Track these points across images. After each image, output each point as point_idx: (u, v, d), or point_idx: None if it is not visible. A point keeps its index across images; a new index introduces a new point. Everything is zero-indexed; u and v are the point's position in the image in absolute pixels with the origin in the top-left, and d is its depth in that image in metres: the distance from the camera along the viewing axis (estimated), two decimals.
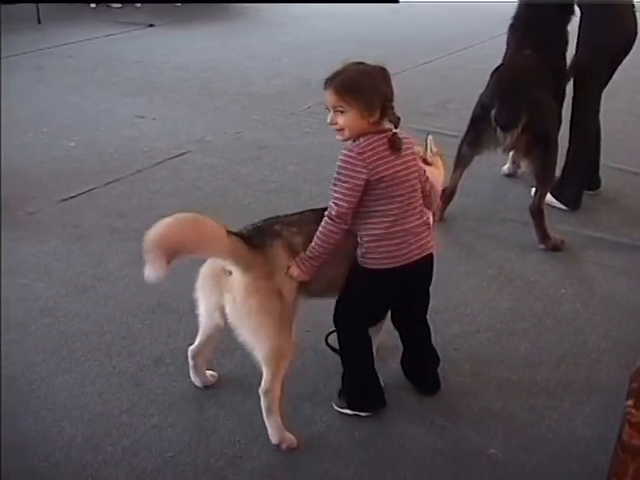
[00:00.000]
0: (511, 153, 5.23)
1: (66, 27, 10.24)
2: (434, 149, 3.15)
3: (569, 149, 4.83)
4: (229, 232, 2.71)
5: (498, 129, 4.15)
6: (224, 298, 2.80)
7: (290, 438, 2.88)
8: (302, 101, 7.07)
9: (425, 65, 8.50)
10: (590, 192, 5.09)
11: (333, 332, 3.17)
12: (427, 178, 2.97)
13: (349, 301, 2.96)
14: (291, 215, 2.95)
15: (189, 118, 6.75)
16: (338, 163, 2.75)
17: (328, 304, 3.04)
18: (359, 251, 2.86)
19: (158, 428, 2.96)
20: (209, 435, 2.94)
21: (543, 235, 4.39)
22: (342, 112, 2.72)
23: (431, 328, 3.14)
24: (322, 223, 2.78)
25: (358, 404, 3.03)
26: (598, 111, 4.82)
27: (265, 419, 2.89)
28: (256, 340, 2.80)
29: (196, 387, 3.16)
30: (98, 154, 5.83)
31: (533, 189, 4.60)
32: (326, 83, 2.78)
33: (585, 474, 2.75)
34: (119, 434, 2.92)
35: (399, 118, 2.81)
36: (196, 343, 3.10)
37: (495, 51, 4.60)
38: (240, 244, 2.72)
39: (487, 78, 4.53)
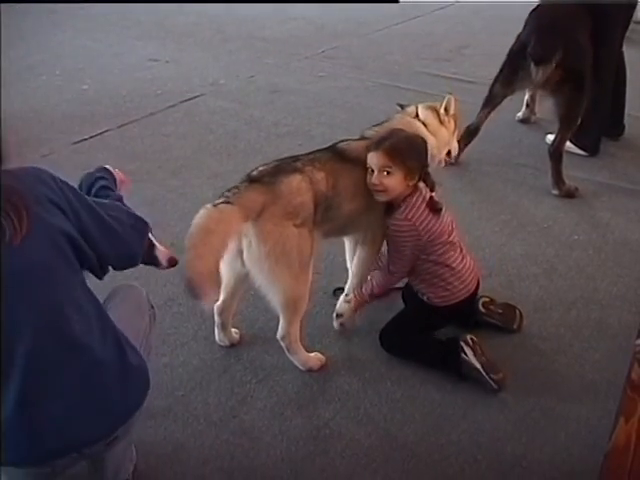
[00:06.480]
0: (526, 97, 5.20)
1: None
2: (451, 111, 3.21)
3: None
4: (227, 202, 2.60)
5: (532, 63, 4.09)
6: (242, 243, 2.68)
7: (316, 362, 2.98)
8: (316, 45, 6.93)
9: (441, 11, 8.36)
10: (612, 139, 5.04)
11: (341, 288, 3.28)
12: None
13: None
14: (306, 154, 2.90)
15: (202, 61, 6.70)
16: (391, 232, 2.93)
17: (339, 245, 3.03)
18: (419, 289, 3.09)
19: (170, 367, 3.00)
20: (220, 375, 2.97)
21: (558, 179, 4.35)
22: (388, 173, 2.82)
23: None
24: (381, 273, 3.07)
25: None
26: (618, 55, 4.74)
27: (289, 357, 2.95)
28: (271, 286, 2.73)
29: (207, 328, 3.17)
30: (111, 97, 5.81)
31: (549, 135, 4.56)
32: (375, 145, 2.85)
33: (594, 418, 2.75)
34: None
35: (434, 183, 2.97)
36: (221, 299, 2.99)
37: None
38: (248, 198, 2.63)
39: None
